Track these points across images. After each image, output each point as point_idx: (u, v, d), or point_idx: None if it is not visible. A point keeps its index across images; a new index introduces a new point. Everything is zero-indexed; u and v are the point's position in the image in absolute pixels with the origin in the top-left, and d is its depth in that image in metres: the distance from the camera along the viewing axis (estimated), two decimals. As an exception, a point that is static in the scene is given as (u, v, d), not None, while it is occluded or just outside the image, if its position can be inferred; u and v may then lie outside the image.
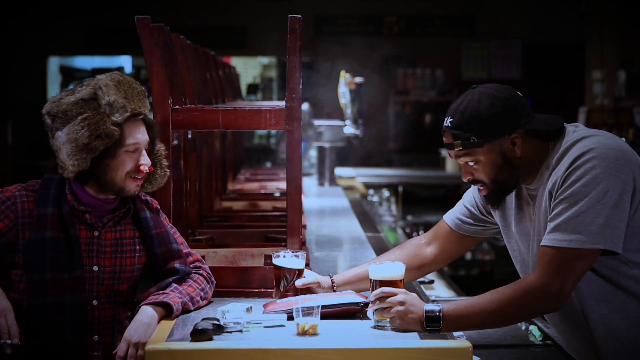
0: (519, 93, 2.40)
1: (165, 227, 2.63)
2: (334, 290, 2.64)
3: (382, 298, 2.34)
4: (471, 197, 2.63)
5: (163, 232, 2.61)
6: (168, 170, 2.65)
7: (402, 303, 2.30)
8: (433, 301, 2.70)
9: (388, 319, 2.32)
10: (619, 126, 8.34)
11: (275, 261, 2.60)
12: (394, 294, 2.33)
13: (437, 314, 2.30)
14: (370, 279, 2.45)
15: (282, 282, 2.60)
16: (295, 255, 2.60)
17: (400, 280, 2.45)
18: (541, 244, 2.29)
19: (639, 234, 2.29)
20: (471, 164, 2.39)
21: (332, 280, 2.67)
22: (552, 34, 11.99)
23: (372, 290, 2.41)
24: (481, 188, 2.43)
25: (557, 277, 2.23)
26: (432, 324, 2.29)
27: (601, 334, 2.35)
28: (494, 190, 2.41)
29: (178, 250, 2.62)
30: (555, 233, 2.26)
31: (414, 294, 2.36)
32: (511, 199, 2.50)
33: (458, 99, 2.41)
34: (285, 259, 2.59)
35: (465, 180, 2.44)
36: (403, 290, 2.37)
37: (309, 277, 2.62)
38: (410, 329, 2.29)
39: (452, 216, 2.66)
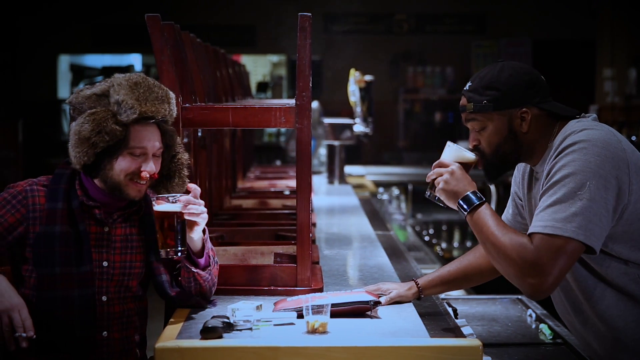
0: (542, 77, 2.41)
1: None
2: (420, 298, 2.62)
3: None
4: (512, 192, 2.63)
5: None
6: (187, 180, 2.62)
7: (451, 173, 2.36)
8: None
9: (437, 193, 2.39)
10: (630, 124, 8.30)
11: (158, 208, 2.46)
12: (447, 165, 2.38)
13: (474, 203, 2.32)
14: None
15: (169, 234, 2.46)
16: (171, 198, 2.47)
17: (469, 163, 2.43)
18: (528, 231, 2.26)
19: (635, 232, 2.27)
20: (478, 129, 2.42)
21: (417, 284, 2.63)
22: (562, 32, 11.96)
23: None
24: (481, 157, 2.44)
25: (549, 259, 2.18)
26: (463, 208, 2.34)
27: (605, 324, 2.34)
28: (492, 161, 2.42)
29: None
30: (538, 220, 2.23)
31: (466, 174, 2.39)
32: (525, 180, 2.51)
33: (484, 68, 2.44)
34: (166, 205, 2.45)
35: (471, 146, 2.45)
36: (458, 165, 2.39)
37: (392, 293, 2.59)
38: (449, 199, 2.36)
39: (507, 215, 2.65)
